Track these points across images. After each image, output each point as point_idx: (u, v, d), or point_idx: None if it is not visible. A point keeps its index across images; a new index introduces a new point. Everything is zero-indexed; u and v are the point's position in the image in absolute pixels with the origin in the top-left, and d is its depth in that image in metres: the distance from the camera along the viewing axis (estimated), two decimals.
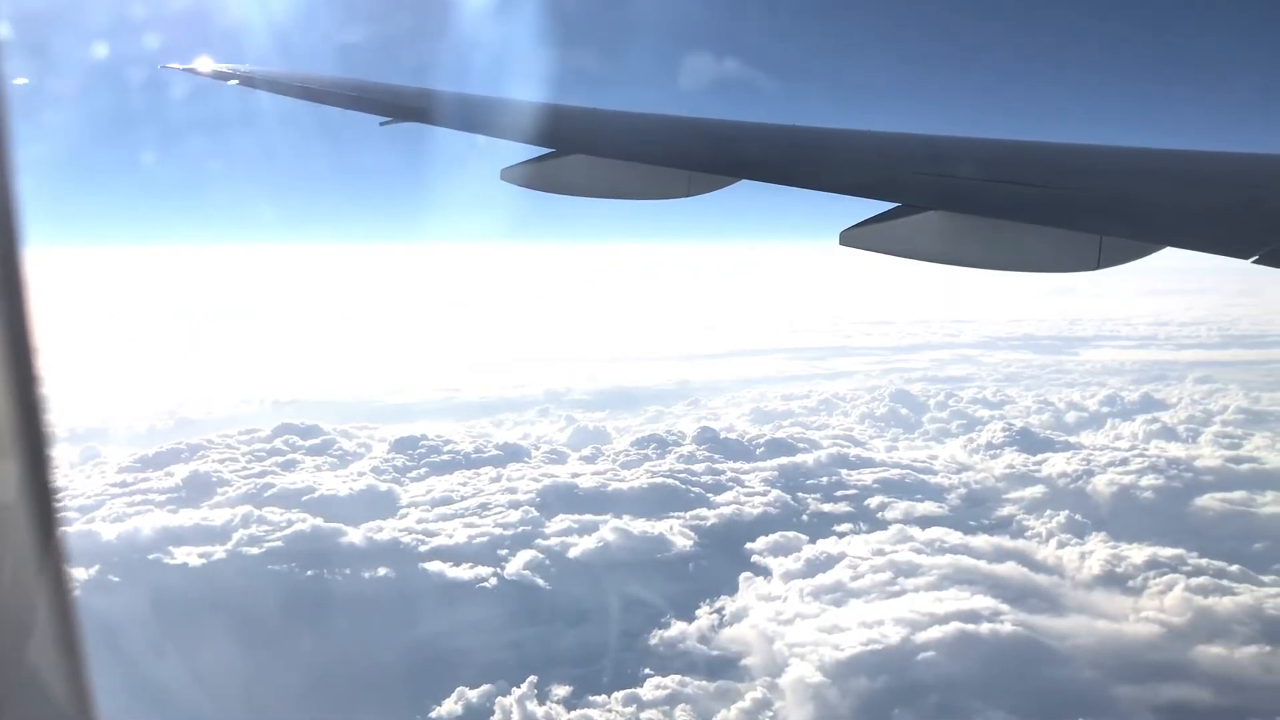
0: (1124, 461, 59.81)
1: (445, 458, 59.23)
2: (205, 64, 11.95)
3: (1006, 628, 37.86)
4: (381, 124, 8.96)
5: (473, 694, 36.92)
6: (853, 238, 5.14)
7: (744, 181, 6.45)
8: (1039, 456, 61.91)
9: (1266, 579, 43.44)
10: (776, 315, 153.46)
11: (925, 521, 50.35)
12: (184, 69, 12.08)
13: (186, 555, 45.89)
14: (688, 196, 6.73)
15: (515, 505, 51.09)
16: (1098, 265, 4.76)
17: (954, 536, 47.11)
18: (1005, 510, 54.58)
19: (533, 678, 36.86)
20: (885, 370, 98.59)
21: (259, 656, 39.25)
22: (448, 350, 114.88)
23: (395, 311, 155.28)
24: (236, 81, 10.94)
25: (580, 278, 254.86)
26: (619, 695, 36.49)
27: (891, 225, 5.06)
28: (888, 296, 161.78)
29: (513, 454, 61.01)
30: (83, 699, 2.10)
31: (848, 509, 53.13)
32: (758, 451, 61.96)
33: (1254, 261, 3.95)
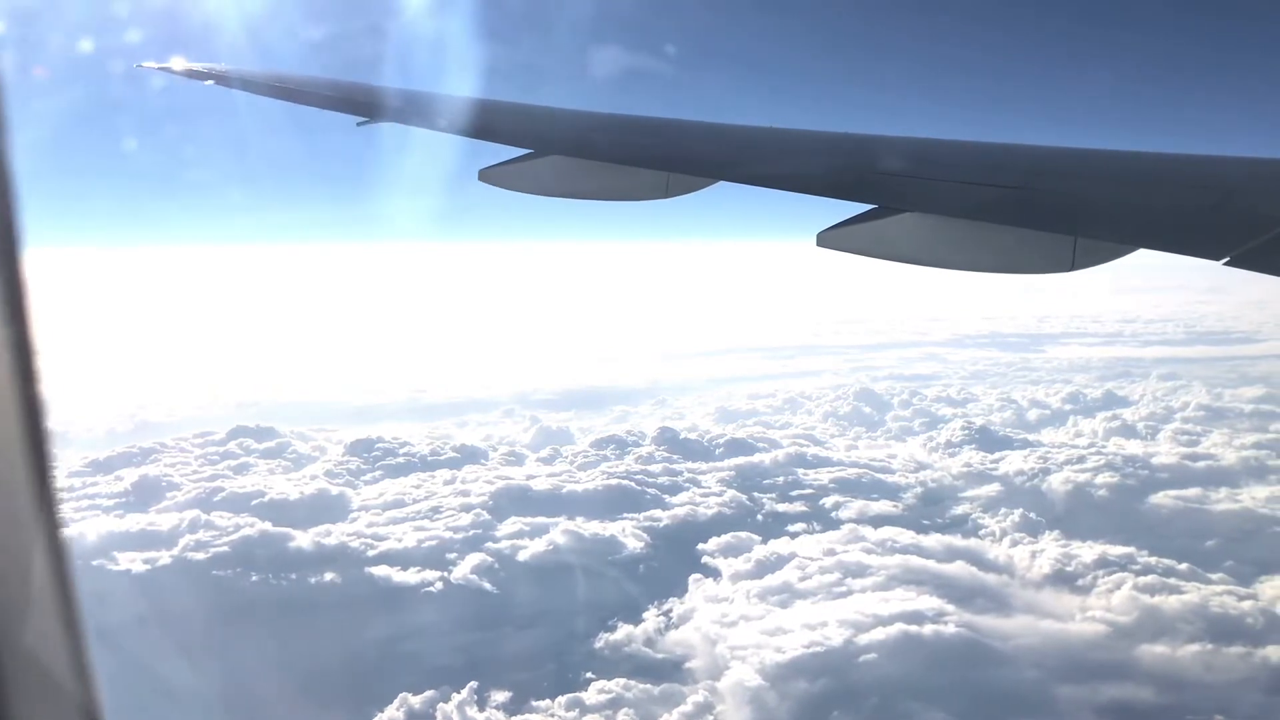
0: (1081, 459, 59.94)
1: (400, 460, 58.76)
2: (180, 63, 11.54)
3: (950, 629, 37.72)
4: (359, 124, 8.80)
5: (415, 700, 36.46)
6: (830, 239, 5.16)
7: (722, 183, 6.47)
8: (997, 454, 62.00)
9: (1214, 577, 43.54)
10: (751, 315, 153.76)
11: (878, 521, 50.22)
12: (159, 68, 11.74)
13: (131, 561, 45.21)
14: (666, 198, 6.74)
15: (467, 508, 50.62)
16: (1072, 267, 4.80)
17: (906, 536, 47.00)
18: (960, 509, 54.59)
19: (473, 683, 36.46)
20: (853, 369, 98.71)
21: (200, 664, 38.68)
22: (418, 350, 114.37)
23: (367, 311, 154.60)
24: (211, 81, 10.57)
25: (558, 278, 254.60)
26: (562, 700, 36.13)
27: (868, 227, 5.08)
28: (863, 296, 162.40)
29: (470, 456, 60.58)
30: (87, 687, 2.15)
31: (803, 509, 52.97)
32: (717, 451, 61.79)
33: (1224, 263, 3.99)
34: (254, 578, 44.57)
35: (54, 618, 2.11)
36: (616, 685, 36.60)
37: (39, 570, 2.09)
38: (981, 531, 50.67)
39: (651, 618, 41.58)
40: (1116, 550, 45.80)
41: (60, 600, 2.12)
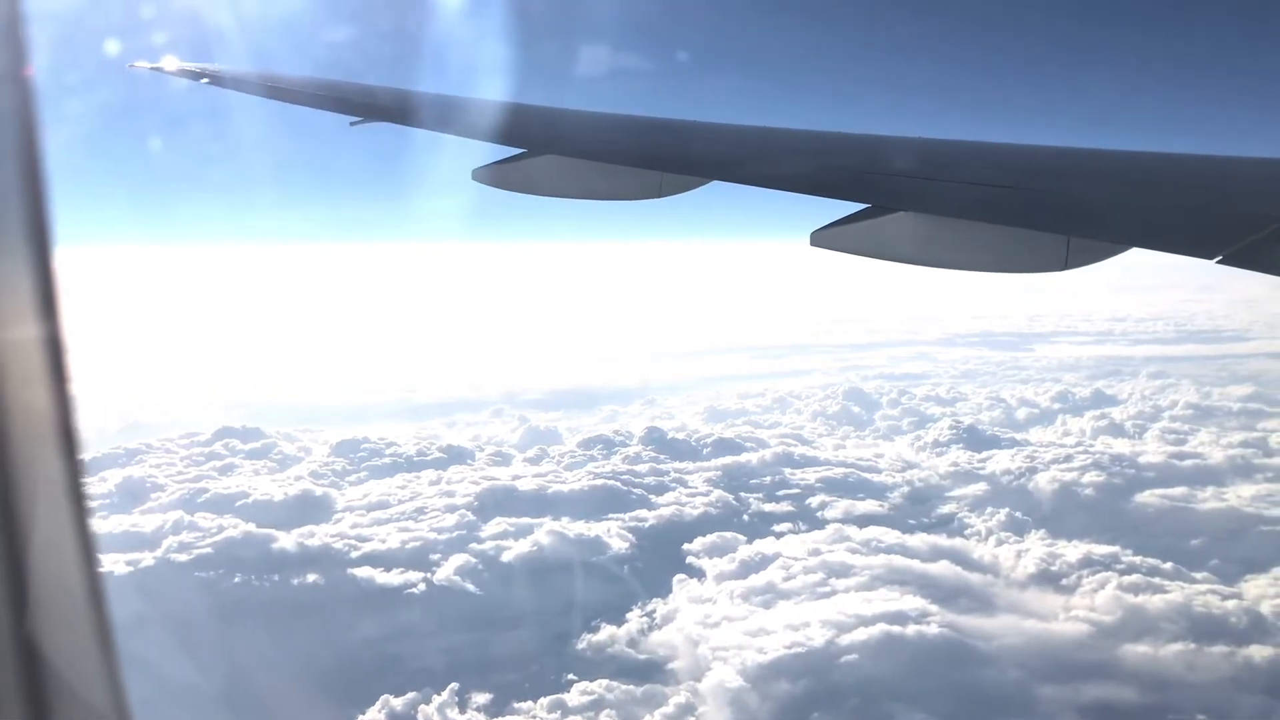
0: (1068, 458, 59.89)
1: (386, 461, 58.56)
2: (172, 63, 11.53)
3: (932, 629, 37.63)
4: (352, 124, 8.79)
5: (397, 702, 36.32)
6: (822, 238, 5.17)
7: (715, 182, 6.47)
8: (984, 454, 61.95)
9: (1198, 576, 43.54)
10: (743, 315, 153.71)
11: (864, 520, 50.12)
12: (151, 68, 11.64)
13: (113, 563, 44.90)
14: (659, 197, 6.73)
15: (452, 509, 50.45)
16: (1065, 266, 4.81)
17: (891, 535, 46.92)
18: (947, 508, 54.56)
19: (454, 685, 36.34)
20: (843, 368, 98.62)
21: (182, 666, 38.45)
22: (409, 350, 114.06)
23: (357, 311, 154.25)
24: (206, 80, 10.57)
25: (551, 278, 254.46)
26: (544, 701, 36.01)
27: (860, 226, 5.09)
28: (855, 295, 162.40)
29: (456, 456, 60.38)
30: (115, 690, 2.14)
31: (789, 508, 52.88)
32: (704, 451, 61.66)
33: (1218, 262, 4.00)
34: (237, 579, 44.36)
35: (84, 618, 2.10)
36: (599, 686, 36.49)
37: (71, 571, 2.08)
38: (967, 531, 50.64)
39: (635, 618, 41.47)
40: (1101, 549, 45.80)
41: (90, 598, 2.11)
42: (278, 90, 9.93)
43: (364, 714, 35.98)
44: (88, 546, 2.12)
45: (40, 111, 2.09)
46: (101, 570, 2.17)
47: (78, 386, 2.09)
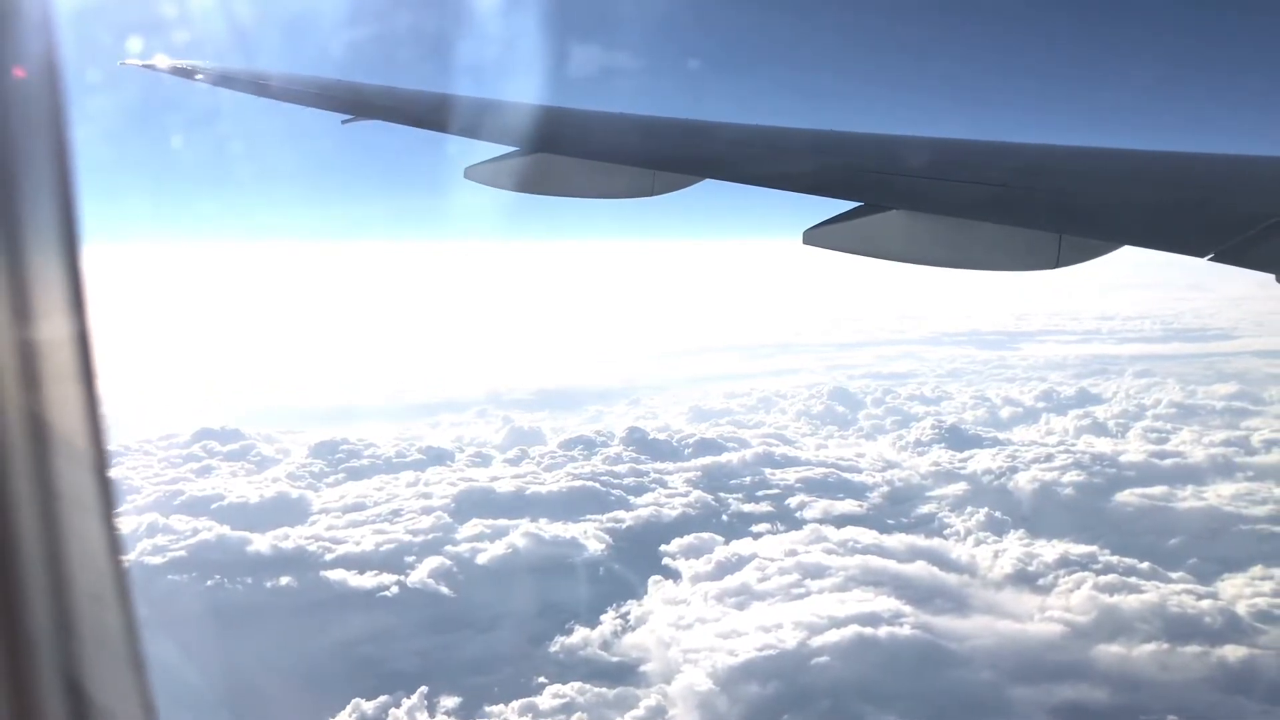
0: (1049, 458, 59.78)
1: (364, 462, 58.25)
2: (163, 61, 11.44)
3: (905, 631, 37.44)
4: (344, 122, 8.79)
5: (368, 705, 36.08)
6: (815, 237, 5.20)
7: (708, 180, 6.50)
8: (966, 453, 61.80)
9: (1175, 575, 43.47)
10: (734, 314, 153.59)
11: (842, 520, 49.90)
12: (143, 65, 11.53)
13: None
14: (652, 195, 6.74)
15: (428, 511, 50.15)
16: (1057, 264, 4.83)
17: (868, 536, 46.68)
18: (926, 508, 54.39)
19: (424, 688, 36.09)
20: (831, 367, 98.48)
21: (151, 671, 38.12)
22: (399, 350, 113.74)
23: (347, 311, 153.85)
24: (200, 77, 10.51)
25: (543, 277, 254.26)
26: (516, 704, 35.78)
27: (853, 225, 5.11)
28: (847, 294, 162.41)
29: (436, 457, 60.11)
30: (143, 694, 2.10)
31: (768, 509, 52.66)
32: (685, 452, 61.44)
33: (1209, 260, 4.03)
34: (210, 582, 44.04)
35: (111, 622, 2.08)
36: (571, 689, 36.28)
37: (98, 573, 2.05)
38: (946, 531, 50.50)
39: (609, 620, 41.26)
40: (1079, 549, 45.72)
41: (117, 599, 2.09)
42: (269, 88, 9.91)
43: (335, 717, 35.71)
44: (114, 547, 2.08)
45: (69, 110, 2.05)
46: (127, 570, 2.13)
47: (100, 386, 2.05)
